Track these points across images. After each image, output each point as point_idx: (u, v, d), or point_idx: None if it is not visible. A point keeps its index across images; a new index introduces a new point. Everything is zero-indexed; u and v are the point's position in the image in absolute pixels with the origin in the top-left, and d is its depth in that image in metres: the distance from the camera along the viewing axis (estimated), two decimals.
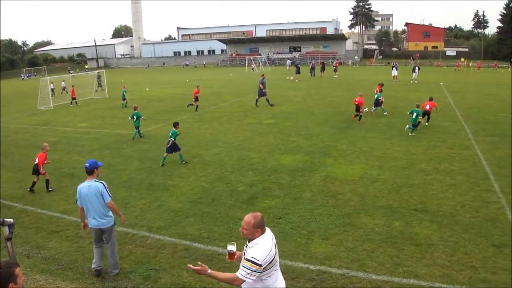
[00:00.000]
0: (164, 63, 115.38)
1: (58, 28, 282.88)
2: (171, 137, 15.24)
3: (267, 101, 28.44)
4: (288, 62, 71.48)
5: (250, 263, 4.67)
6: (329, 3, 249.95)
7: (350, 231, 9.30)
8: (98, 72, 49.24)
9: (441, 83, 41.31)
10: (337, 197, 11.37)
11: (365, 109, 22.91)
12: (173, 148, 15.29)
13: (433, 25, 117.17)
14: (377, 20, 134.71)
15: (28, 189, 13.10)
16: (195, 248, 8.79)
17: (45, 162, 13.24)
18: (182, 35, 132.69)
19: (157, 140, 19.42)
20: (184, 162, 15.37)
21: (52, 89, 42.25)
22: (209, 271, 4.70)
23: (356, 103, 22.19)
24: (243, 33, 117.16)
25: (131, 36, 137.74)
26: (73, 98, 34.85)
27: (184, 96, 36.94)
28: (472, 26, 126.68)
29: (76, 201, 7.82)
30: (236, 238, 9.08)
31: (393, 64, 47.35)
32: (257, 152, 16.49)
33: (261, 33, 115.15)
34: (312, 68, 55.22)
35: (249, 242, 4.89)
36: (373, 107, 24.29)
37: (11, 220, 4.45)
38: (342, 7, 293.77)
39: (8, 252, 4.42)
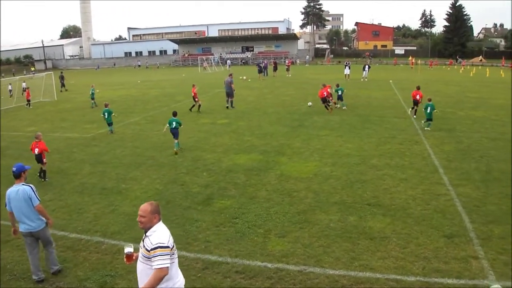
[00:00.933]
0: (114, 64, 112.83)
1: (3, 29, 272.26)
2: (170, 125, 16.87)
3: (231, 102, 27.49)
4: (228, 62, 71.04)
5: (158, 249, 4.66)
6: (280, 2, 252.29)
7: (306, 227, 9.38)
8: (61, 73, 51.06)
9: (391, 81, 42.42)
10: (292, 195, 11.45)
11: (309, 104, 26.62)
12: (174, 132, 16.91)
13: (382, 25, 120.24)
14: (328, 20, 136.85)
15: (41, 179, 13.89)
16: None
17: (45, 150, 13.99)
18: (133, 35, 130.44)
19: (108, 143, 18.99)
20: (180, 148, 16.90)
21: (10, 90, 40.82)
22: None
23: (324, 95, 24.15)
24: (195, 33, 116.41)
25: (80, 36, 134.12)
26: (28, 101, 34.36)
27: (135, 98, 36.35)
28: (420, 25, 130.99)
29: (6, 206, 7.64)
30: (192, 240, 9.02)
31: (346, 63, 48.18)
32: (212, 152, 16.40)
33: (213, 33, 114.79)
34: (265, 68, 55.50)
35: (146, 232, 4.88)
36: (341, 102, 26.20)
37: None
38: (294, 7, 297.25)
39: None
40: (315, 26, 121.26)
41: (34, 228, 7.60)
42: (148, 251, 4.72)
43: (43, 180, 13.89)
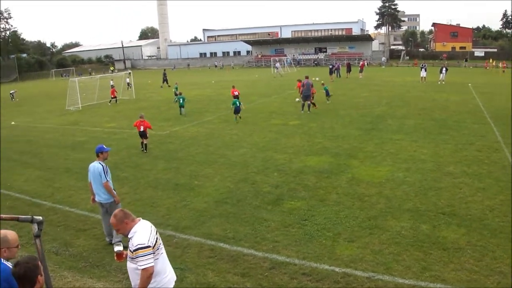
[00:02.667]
0: (188, 65, 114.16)
1: (86, 30, 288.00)
2: (233, 104, 24.28)
3: (308, 106, 26.15)
4: (278, 65, 68.43)
5: (139, 250, 4.83)
6: (355, 3, 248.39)
7: (376, 233, 9.19)
8: (164, 70, 55.61)
9: (469, 84, 40.53)
10: (363, 199, 11.26)
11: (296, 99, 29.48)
12: (236, 110, 24.11)
13: (460, 25, 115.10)
14: (404, 21, 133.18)
15: (144, 151, 17.62)
16: (220, 248, 8.82)
17: (148, 127, 17.66)
18: (208, 37, 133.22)
19: (183, 140, 19.58)
20: (239, 118, 24.04)
21: (112, 85, 43.16)
22: None
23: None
24: (269, 34, 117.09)
25: (158, 37, 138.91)
26: (114, 97, 37.28)
27: (209, 97, 37.21)
28: (501, 26, 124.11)
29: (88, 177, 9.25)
30: (261, 239, 9.10)
31: (422, 65, 46.48)
32: (283, 153, 16.46)
33: (286, 34, 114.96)
34: (337, 69, 54.91)
35: (128, 235, 5.08)
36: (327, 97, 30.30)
37: (40, 217, 4.54)
38: (368, 7, 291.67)
39: (37, 249, 4.49)
40: (390, 27, 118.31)
41: (104, 200, 9.04)
42: (132, 252, 4.93)
43: (145, 151, 17.55)
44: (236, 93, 28.83)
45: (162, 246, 5.25)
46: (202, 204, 11.41)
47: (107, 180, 8.90)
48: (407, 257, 8.13)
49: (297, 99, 29.21)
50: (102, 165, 8.96)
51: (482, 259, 7.95)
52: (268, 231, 9.55)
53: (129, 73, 50.60)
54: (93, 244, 9.38)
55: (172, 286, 5.37)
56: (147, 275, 4.84)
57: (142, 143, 17.83)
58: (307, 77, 26.77)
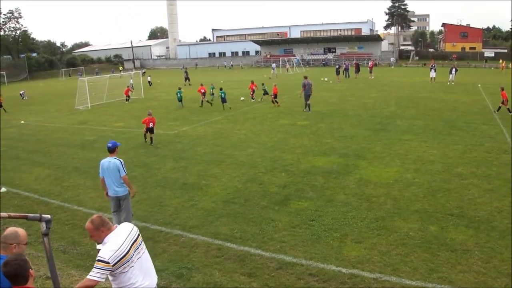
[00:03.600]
0: (196, 64, 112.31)
1: (96, 30, 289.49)
2: (221, 94, 28.64)
3: (308, 105, 26.49)
4: (273, 65, 68.60)
5: (98, 262, 4.71)
6: (364, 3, 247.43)
7: (384, 235, 9.16)
8: (185, 68, 58.22)
9: (479, 85, 40.23)
10: (371, 200, 11.22)
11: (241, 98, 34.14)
12: (223, 100, 28.67)
13: (470, 26, 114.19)
14: (413, 21, 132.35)
15: (150, 144, 19.00)
16: (227, 248, 8.83)
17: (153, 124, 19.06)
18: (217, 37, 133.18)
19: (191, 140, 19.62)
20: (229, 107, 28.47)
21: (132, 84, 43.74)
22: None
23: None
24: (277, 34, 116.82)
25: (167, 37, 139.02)
26: (128, 97, 37.72)
27: (217, 97, 37.12)
28: (511, 27, 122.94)
29: (99, 173, 9.27)
30: (268, 239, 9.10)
31: (432, 66, 46.14)
32: (291, 153, 16.43)
33: (295, 34, 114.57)
34: (346, 69, 54.74)
35: (101, 243, 4.95)
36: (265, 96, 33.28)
37: (49, 216, 4.56)
38: (378, 7, 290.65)
39: (45, 247, 4.51)
40: (399, 27, 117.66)
41: (119, 192, 9.20)
42: (96, 260, 4.82)
43: (151, 143, 18.91)
44: (202, 90, 31.63)
45: (135, 258, 4.97)
46: (209, 204, 11.44)
47: (125, 173, 9.15)
48: (414, 258, 8.10)
49: (242, 98, 34.44)
50: (120, 160, 9.16)
51: (490, 261, 7.90)
52: (275, 231, 9.55)
53: (144, 72, 50.87)
54: None
55: None
56: (87, 285, 4.69)
57: (149, 137, 19.15)
58: (306, 77, 27.01)
